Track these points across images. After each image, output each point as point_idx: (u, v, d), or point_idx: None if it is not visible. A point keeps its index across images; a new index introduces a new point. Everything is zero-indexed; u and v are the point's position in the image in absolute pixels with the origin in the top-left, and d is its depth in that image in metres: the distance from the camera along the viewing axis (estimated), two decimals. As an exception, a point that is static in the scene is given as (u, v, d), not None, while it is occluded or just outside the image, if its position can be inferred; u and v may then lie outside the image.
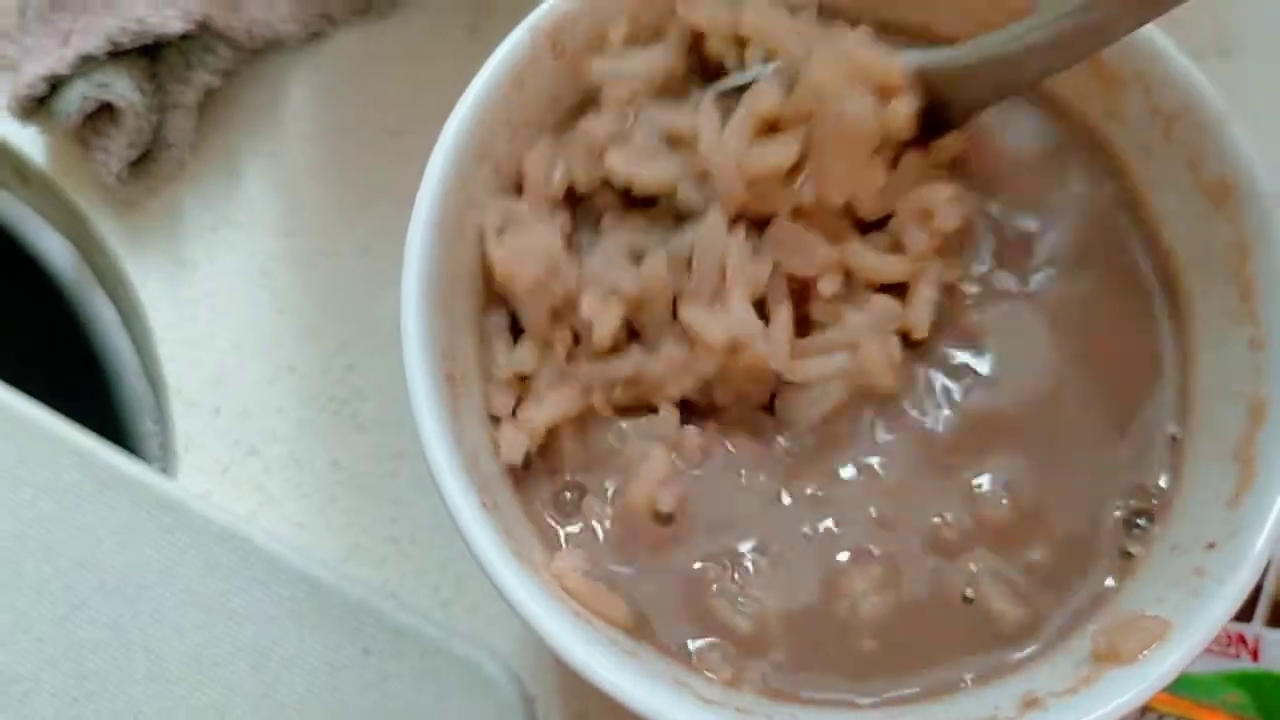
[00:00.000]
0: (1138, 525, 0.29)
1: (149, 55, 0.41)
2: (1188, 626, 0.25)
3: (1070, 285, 0.31)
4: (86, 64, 0.39)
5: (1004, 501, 0.29)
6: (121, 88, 0.39)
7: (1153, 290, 0.31)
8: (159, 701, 0.35)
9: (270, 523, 0.38)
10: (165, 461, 0.40)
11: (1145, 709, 0.35)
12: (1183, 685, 0.35)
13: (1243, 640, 0.36)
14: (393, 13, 0.44)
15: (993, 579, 0.28)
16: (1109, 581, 0.28)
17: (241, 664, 0.35)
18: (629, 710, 0.25)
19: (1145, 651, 0.25)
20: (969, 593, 0.28)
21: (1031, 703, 0.25)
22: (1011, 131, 0.33)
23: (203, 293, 0.41)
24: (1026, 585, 0.28)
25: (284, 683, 0.35)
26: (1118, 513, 0.29)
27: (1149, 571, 0.28)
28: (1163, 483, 0.29)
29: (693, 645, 0.28)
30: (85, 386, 0.41)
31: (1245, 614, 0.36)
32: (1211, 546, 0.27)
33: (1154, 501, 0.29)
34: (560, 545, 0.29)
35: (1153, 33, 0.30)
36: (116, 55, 0.40)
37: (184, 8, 0.40)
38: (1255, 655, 0.36)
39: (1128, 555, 0.29)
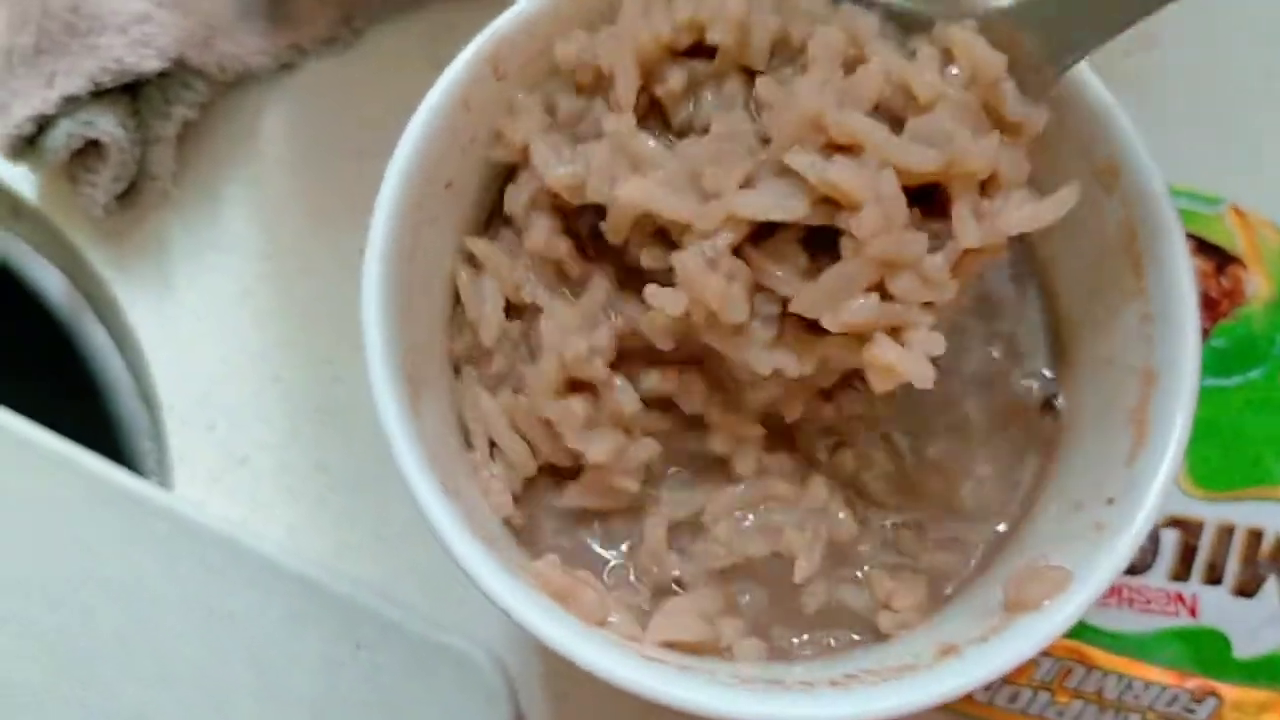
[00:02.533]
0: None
1: (130, 93, 0.42)
2: (1085, 576, 0.27)
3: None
4: (71, 104, 0.41)
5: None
6: (105, 125, 0.41)
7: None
8: (165, 704, 0.36)
9: (263, 527, 0.40)
10: (162, 475, 0.41)
11: (1090, 667, 0.37)
12: (1124, 643, 0.37)
13: (1180, 598, 0.37)
14: (359, 41, 0.46)
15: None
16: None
17: (241, 664, 0.37)
18: (599, 680, 0.27)
19: (1048, 600, 0.27)
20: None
21: (948, 650, 0.27)
22: None
23: (189, 314, 0.42)
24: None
25: (283, 680, 0.36)
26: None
27: (1055, 527, 0.30)
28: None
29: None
30: (84, 409, 0.42)
31: (1183, 573, 0.37)
32: (1110, 502, 0.29)
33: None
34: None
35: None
36: (99, 94, 0.41)
37: (159, 47, 0.41)
38: (1193, 612, 0.37)
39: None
